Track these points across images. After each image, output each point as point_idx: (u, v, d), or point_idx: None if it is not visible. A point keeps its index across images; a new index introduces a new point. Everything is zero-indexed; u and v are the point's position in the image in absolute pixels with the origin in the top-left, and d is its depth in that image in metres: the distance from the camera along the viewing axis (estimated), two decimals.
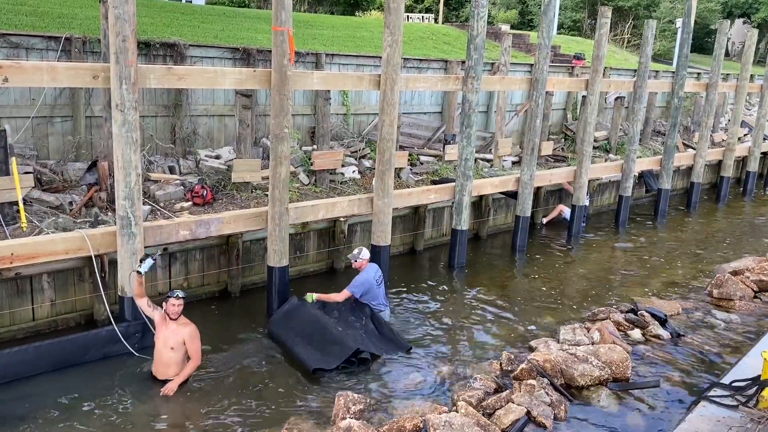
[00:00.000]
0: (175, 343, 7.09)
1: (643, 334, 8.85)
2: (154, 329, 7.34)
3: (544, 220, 14.65)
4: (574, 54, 21.17)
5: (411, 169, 13.27)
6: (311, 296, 8.53)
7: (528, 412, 6.46)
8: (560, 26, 36.14)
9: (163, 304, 7.21)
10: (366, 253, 8.96)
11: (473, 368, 7.80)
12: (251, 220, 9.17)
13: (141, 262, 7.21)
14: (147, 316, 7.49)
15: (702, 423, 6.17)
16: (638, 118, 14.87)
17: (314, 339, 7.98)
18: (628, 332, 8.84)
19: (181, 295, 7.15)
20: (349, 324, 8.32)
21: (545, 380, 7.08)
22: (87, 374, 7.27)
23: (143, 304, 7.30)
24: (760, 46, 40.10)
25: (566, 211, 14.33)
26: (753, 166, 19.47)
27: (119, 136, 7.42)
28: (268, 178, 8.96)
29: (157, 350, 7.20)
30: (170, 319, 7.12)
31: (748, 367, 7.24)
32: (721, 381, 6.98)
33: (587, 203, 14.51)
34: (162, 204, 9.81)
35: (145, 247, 8.00)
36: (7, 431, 6.21)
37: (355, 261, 8.89)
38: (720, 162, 18.92)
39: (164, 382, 7.12)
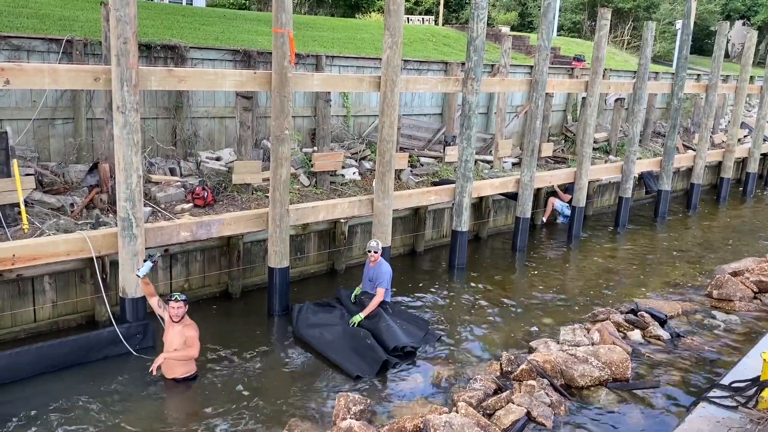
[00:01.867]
0: (179, 344, 7.13)
1: (643, 335, 8.86)
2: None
3: (544, 219, 14.67)
4: (574, 56, 21.21)
5: (411, 171, 13.30)
6: (358, 318, 8.53)
7: (528, 413, 6.47)
8: (560, 28, 36.19)
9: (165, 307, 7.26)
10: (380, 246, 9.07)
11: (473, 369, 7.82)
12: (252, 222, 9.19)
13: (147, 258, 7.33)
14: (159, 315, 7.55)
15: (701, 424, 6.18)
16: (638, 120, 14.89)
17: (350, 346, 8.03)
18: (628, 333, 8.85)
19: (180, 298, 7.16)
20: (384, 319, 8.42)
21: (545, 381, 7.09)
22: (88, 375, 7.29)
23: (154, 303, 7.40)
24: (760, 48, 40.13)
25: (557, 203, 14.31)
26: (753, 167, 19.48)
27: (120, 138, 7.45)
28: (268, 180, 8.99)
29: (166, 350, 7.22)
30: (173, 321, 7.16)
31: (747, 367, 7.24)
32: (721, 382, 6.99)
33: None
34: (163, 205, 9.83)
35: (146, 249, 8.02)
36: (9, 431, 6.24)
37: (376, 252, 8.96)
38: (720, 163, 18.94)
39: (174, 380, 7.18)
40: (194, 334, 7.21)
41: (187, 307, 7.25)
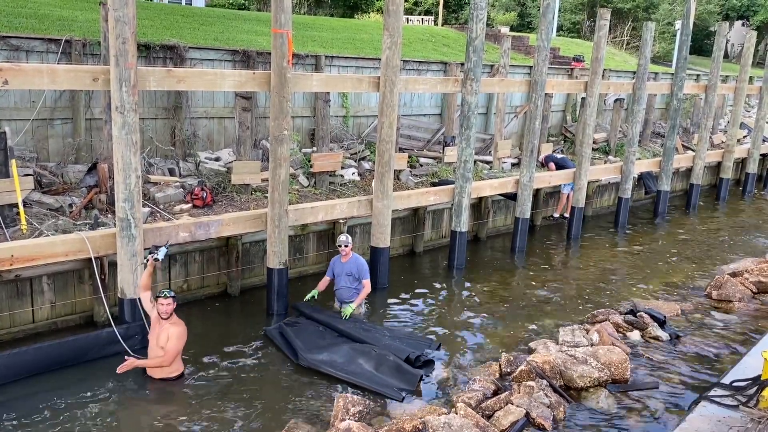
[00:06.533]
0: (165, 342, 7.11)
1: (642, 336, 8.86)
2: (149, 327, 7.39)
3: (556, 215, 14.71)
4: (574, 56, 21.22)
5: (410, 171, 13.29)
6: (350, 309, 8.86)
7: (527, 414, 6.46)
8: (559, 28, 36.21)
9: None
10: (350, 240, 9.23)
11: (472, 370, 7.80)
12: (251, 222, 9.18)
13: (154, 250, 7.31)
14: (145, 314, 7.51)
15: (702, 423, 6.18)
16: (637, 120, 14.88)
17: (373, 366, 7.63)
18: (627, 334, 8.85)
19: (169, 295, 7.16)
20: (379, 337, 8.31)
21: (544, 382, 7.08)
22: (86, 375, 7.27)
23: (146, 298, 7.37)
24: (759, 48, 40.17)
25: (565, 188, 14.30)
26: (752, 168, 19.49)
27: (119, 139, 7.43)
28: (267, 180, 8.98)
29: (150, 348, 7.25)
30: (162, 318, 7.15)
31: (748, 366, 7.25)
32: (722, 381, 7.00)
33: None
34: (162, 206, 9.82)
35: (144, 249, 7.99)
36: (6, 431, 6.23)
37: (347, 246, 9.03)
38: (719, 163, 18.95)
39: (160, 381, 7.15)
40: (177, 344, 7.12)
41: (175, 304, 7.22)
